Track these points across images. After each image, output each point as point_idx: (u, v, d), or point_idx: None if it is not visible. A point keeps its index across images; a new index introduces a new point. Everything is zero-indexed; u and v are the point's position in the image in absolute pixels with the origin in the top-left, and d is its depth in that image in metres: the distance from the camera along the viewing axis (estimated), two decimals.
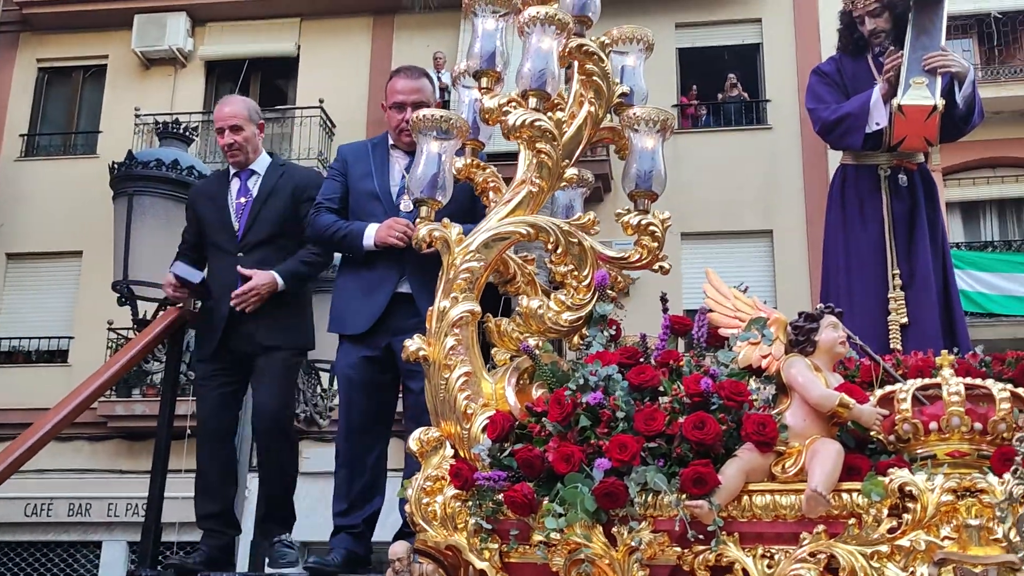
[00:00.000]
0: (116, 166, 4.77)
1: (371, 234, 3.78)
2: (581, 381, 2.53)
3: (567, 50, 2.92)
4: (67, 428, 13.89)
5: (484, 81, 2.93)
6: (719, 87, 15.06)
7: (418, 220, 2.81)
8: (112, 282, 4.75)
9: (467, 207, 3.57)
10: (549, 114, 2.83)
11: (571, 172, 2.91)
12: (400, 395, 3.97)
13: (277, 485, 4.18)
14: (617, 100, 2.99)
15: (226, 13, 16.02)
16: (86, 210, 15.39)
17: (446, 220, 2.80)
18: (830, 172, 14.74)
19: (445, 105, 14.86)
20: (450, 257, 2.77)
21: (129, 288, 4.59)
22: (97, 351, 14.59)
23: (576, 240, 2.81)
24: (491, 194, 3.07)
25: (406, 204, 3.76)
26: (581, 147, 2.96)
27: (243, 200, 4.25)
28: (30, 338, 15.39)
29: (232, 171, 4.32)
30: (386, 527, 3.99)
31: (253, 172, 4.31)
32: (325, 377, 6.05)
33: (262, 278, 4.07)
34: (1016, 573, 2.08)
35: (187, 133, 4.89)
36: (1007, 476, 2.22)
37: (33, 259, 15.70)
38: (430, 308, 2.78)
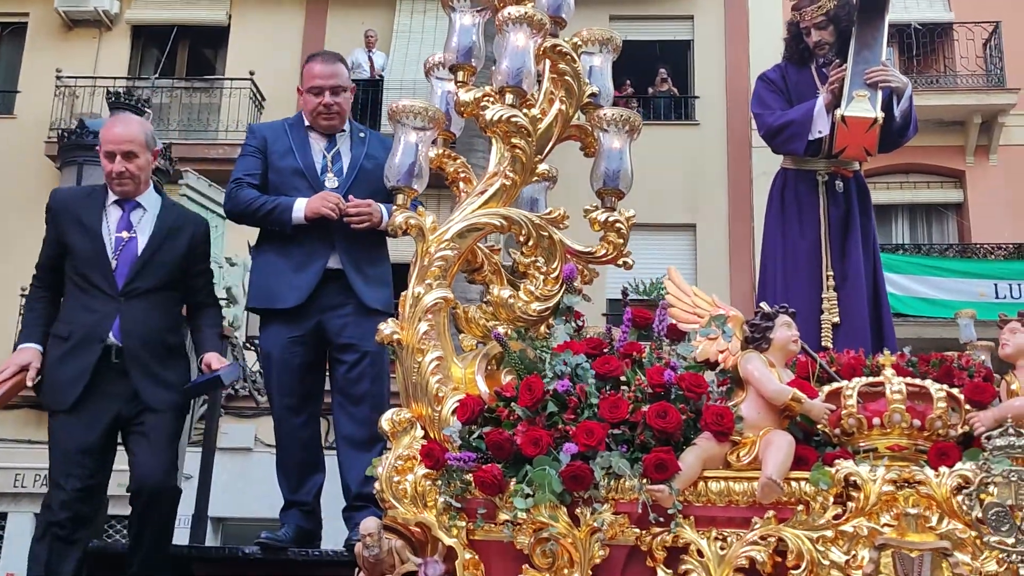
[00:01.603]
0: (66, 134, 4.70)
1: (300, 207, 3.76)
2: (552, 371, 2.64)
3: (541, 49, 3.02)
4: None
5: (460, 75, 3.02)
6: (650, 81, 15.31)
7: (394, 208, 2.88)
8: None
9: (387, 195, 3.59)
10: (524, 111, 2.93)
11: (542, 167, 3.02)
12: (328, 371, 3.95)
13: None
14: (587, 100, 3.11)
15: None
16: (2, 172, 14.95)
17: (421, 208, 2.89)
18: (753, 169, 15.19)
19: (377, 83, 14.82)
20: (424, 244, 2.85)
21: None
22: (10, 318, 14.22)
23: (547, 234, 2.93)
24: (461, 184, 3.16)
25: (331, 181, 3.85)
26: (551, 144, 3.07)
27: (124, 235, 3.62)
28: None
29: (111, 197, 3.70)
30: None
31: (139, 206, 3.70)
32: None
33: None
34: (948, 558, 2.27)
35: (139, 104, 4.81)
36: (943, 469, 2.41)
37: None
38: (403, 293, 2.86)
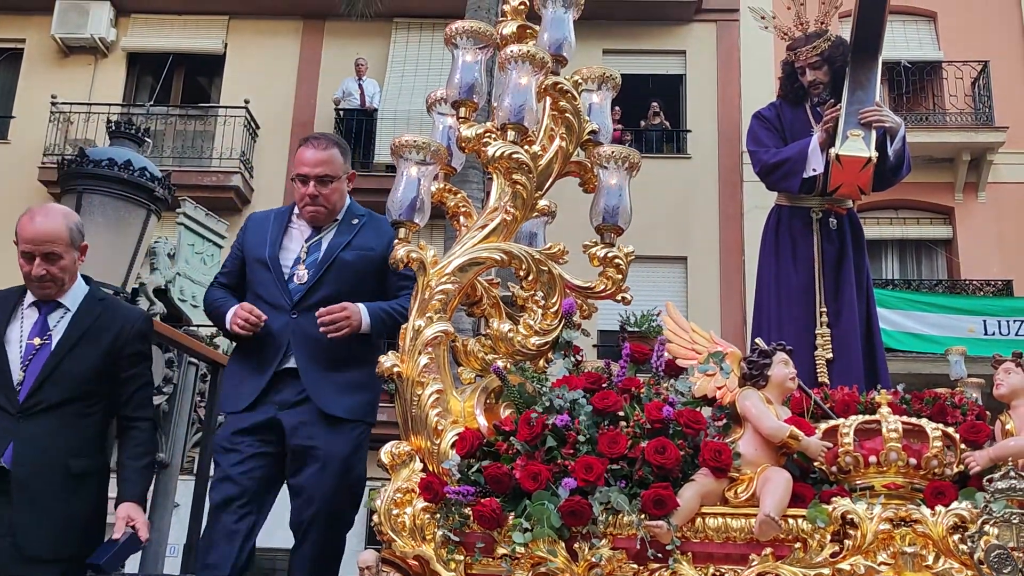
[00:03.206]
0: (66, 163, 4.73)
1: (229, 316, 3.50)
2: (547, 403, 2.66)
3: (543, 87, 3.06)
4: None
5: (462, 111, 3.06)
6: (642, 114, 15.44)
7: (396, 241, 2.90)
8: None
9: (374, 288, 3.51)
10: (525, 147, 2.97)
11: (542, 203, 3.05)
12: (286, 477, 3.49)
13: None
14: (587, 137, 3.15)
15: (152, 5, 15.76)
16: None
17: (423, 243, 2.91)
18: (744, 203, 15.28)
19: (370, 113, 14.89)
20: (425, 279, 2.88)
21: None
22: None
23: (546, 268, 2.96)
24: (462, 219, 3.19)
25: (301, 275, 3.49)
26: (551, 180, 3.10)
27: (36, 342, 3.12)
28: None
29: (29, 298, 3.22)
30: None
31: (60, 305, 3.20)
32: None
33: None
34: None
35: (139, 134, 4.85)
36: (939, 508, 2.43)
37: None
38: (404, 326, 2.88)
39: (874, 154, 4.13)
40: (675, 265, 14.73)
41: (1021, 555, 1.93)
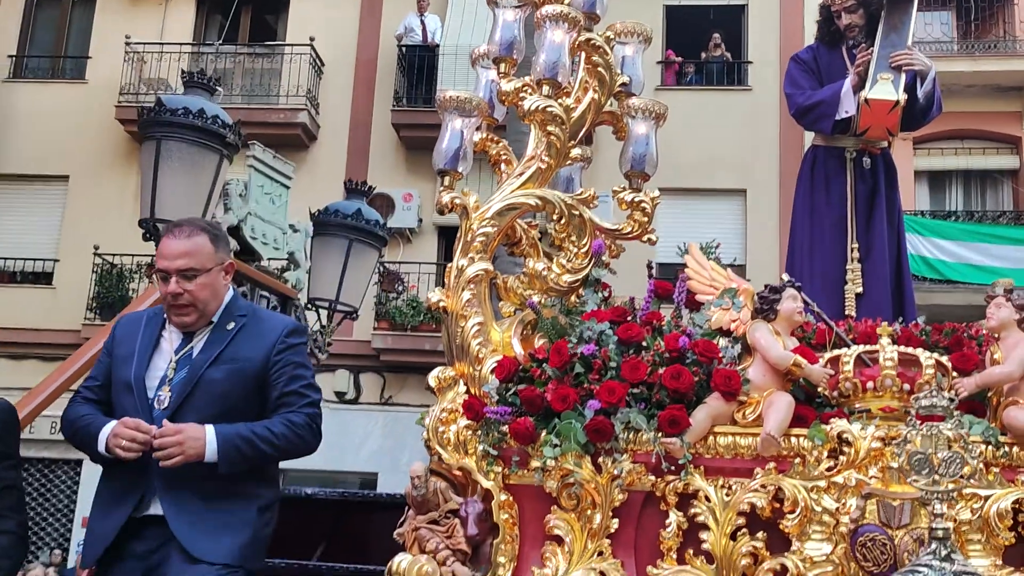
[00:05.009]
0: (145, 111, 5.13)
1: (103, 436, 2.85)
2: (578, 335, 2.98)
3: (576, 43, 3.32)
4: (50, 349, 14.08)
5: (502, 67, 3.33)
6: (703, 46, 15.39)
7: (441, 188, 3.21)
8: (139, 219, 5.13)
9: (255, 407, 2.95)
10: (559, 100, 3.24)
11: (575, 151, 3.33)
12: None
13: None
14: (618, 89, 3.40)
15: None
16: (74, 136, 15.58)
17: (466, 190, 3.22)
18: (805, 136, 15.30)
19: (432, 49, 15.08)
20: (468, 222, 3.19)
21: (155, 226, 4.97)
22: (82, 275, 14.90)
23: (578, 212, 3.25)
24: (503, 166, 3.48)
25: (162, 400, 2.90)
26: (584, 129, 3.37)
27: None
28: (15, 259, 15.62)
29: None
30: None
31: None
32: (323, 314, 6.49)
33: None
34: (925, 506, 2.56)
35: (211, 83, 5.23)
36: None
37: (20, 181, 15.85)
38: (448, 265, 3.20)
39: (902, 97, 4.28)
40: (735, 198, 14.81)
41: (935, 458, 2.22)
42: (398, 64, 15.34)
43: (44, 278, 15.59)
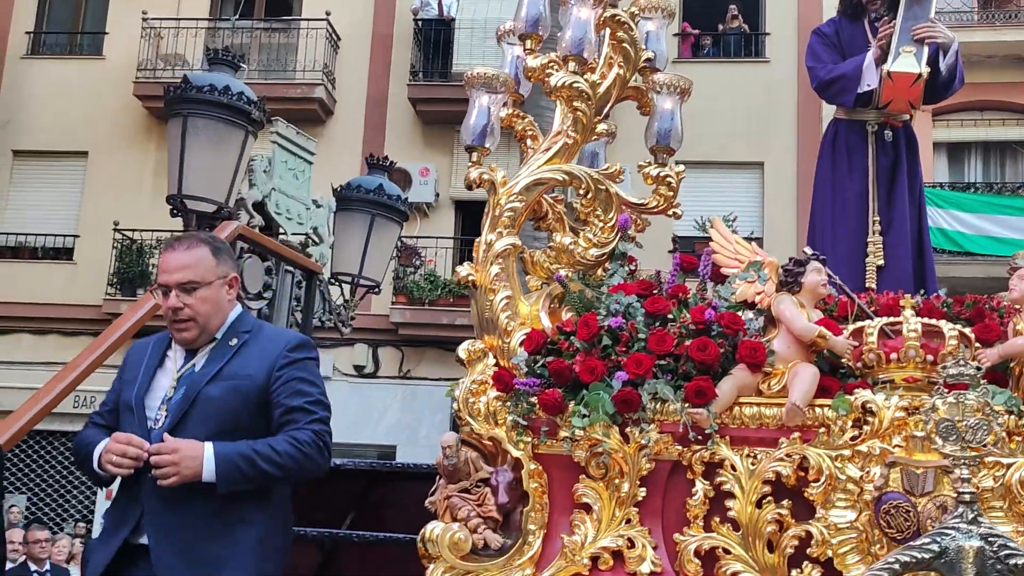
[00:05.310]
0: (171, 89, 5.19)
1: (98, 453, 2.78)
2: (606, 308, 3.03)
3: (601, 19, 3.35)
4: (72, 324, 14.25)
5: (528, 43, 3.37)
6: (720, 18, 15.31)
7: (469, 164, 3.26)
8: (166, 196, 5.21)
9: (256, 426, 2.82)
10: (585, 76, 3.28)
11: (601, 127, 3.37)
12: None
13: None
14: (643, 64, 3.43)
15: None
16: (92, 112, 15.67)
17: (493, 165, 3.26)
18: (824, 108, 15.27)
19: (445, 20, 15.04)
20: (495, 197, 3.24)
21: (182, 202, 5.05)
22: (103, 251, 15.04)
23: (604, 187, 3.29)
24: (529, 141, 3.52)
25: (159, 419, 2.80)
26: (610, 105, 3.41)
27: None
28: (36, 234, 15.77)
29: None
30: None
31: None
32: (347, 288, 6.56)
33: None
34: (948, 474, 2.61)
35: (235, 60, 5.29)
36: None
37: (39, 157, 15.99)
38: (476, 240, 3.26)
39: (925, 70, 4.30)
40: (752, 171, 14.80)
41: (962, 425, 2.28)
42: (414, 38, 15.34)
43: (65, 254, 15.75)
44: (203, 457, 2.66)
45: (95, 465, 2.77)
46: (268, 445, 2.73)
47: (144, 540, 2.71)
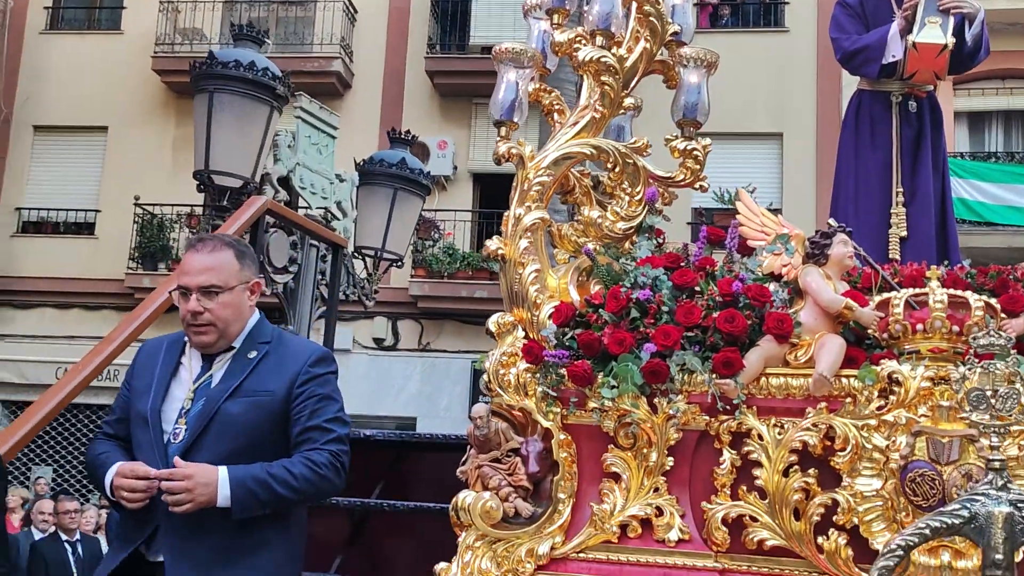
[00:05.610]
0: (197, 64, 5.23)
1: (108, 481, 2.70)
2: (632, 280, 3.07)
3: None
4: (94, 298, 14.37)
5: (556, 18, 3.40)
6: None
7: (498, 139, 3.29)
8: (193, 171, 5.26)
9: (275, 443, 2.75)
10: (612, 51, 3.30)
11: (628, 101, 3.39)
12: None
13: None
14: (669, 38, 3.45)
15: None
16: (111, 87, 15.73)
17: (521, 140, 3.30)
18: (843, 79, 15.15)
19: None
20: (524, 172, 3.28)
21: (210, 176, 5.10)
22: (124, 225, 15.15)
23: (631, 160, 3.32)
24: (555, 115, 3.55)
25: (177, 434, 2.71)
26: (636, 79, 3.43)
27: None
28: (58, 210, 15.90)
29: None
30: None
31: None
32: (370, 262, 6.62)
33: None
34: (973, 443, 2.65)
35: (259, 35, 5.33)
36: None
37: (59, 132, 16.08)
38: (505, 214, 3.29)
39: (950, 40, 4.29)
40: (770, 142, 14.73)
41: (992, 394, 2.31)
42: (431, 10, 15.30)
43: (87, 228, 15.88)
44: (217, 482, 2.58)
45: (108, 492, 2.70)
46: (284, 468, 2.66)
47: (160, 558, 2.64)
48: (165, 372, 2.78)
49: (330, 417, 2.76)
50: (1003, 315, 2.97)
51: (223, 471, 2.59)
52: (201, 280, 2.73)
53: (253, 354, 2.78)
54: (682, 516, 2.95)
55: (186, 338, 2.81)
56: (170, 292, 3.03)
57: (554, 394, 3.06)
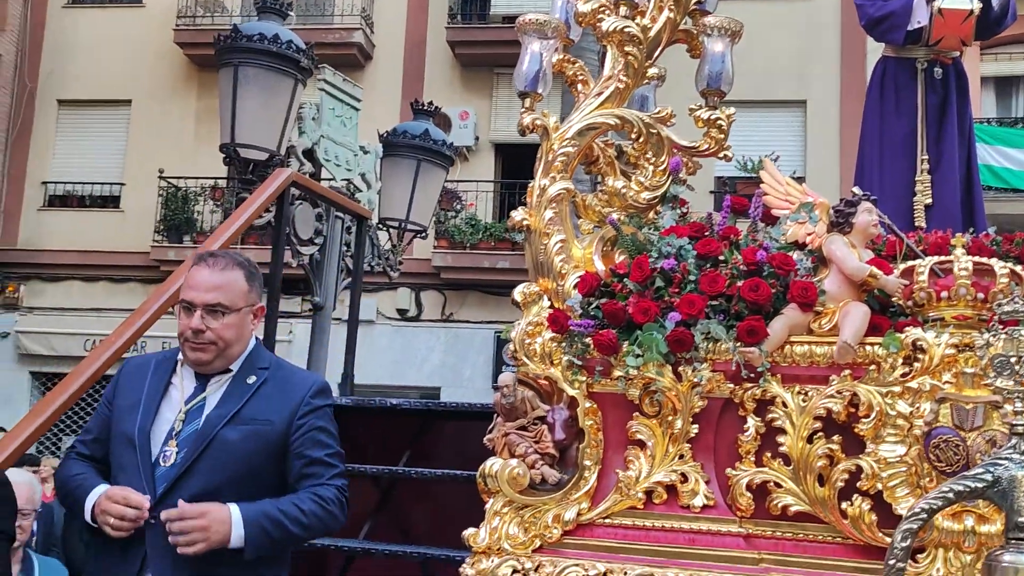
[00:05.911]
0: (222, 38, 5.27)
1: (89, 505, 2.57)
2: (659, 250, 3.10)
3: None
4: (120, 271, 14.53)
5: None
6: None
7: (522, 110, 3.31)
8: (219, 144, 5.31)
9: (272, 474, 2.68)
10: (636, 21, 3.30)
11: (652, 71, 3.40)
12: None
13: None
14: (693, 7, 3.45)
15: None
16: (134, 60, 15.81)
17: (546, 111, 3.31)
18: (868, 44, 14.96)
19: None
20: (548, 143, 3.30)
21: (235, 149, 5.15)
22: (149, 198, 15.27)
23: (655, 131, 3.33)
24: (579, 86, 3.56)
25: (167, 456, 2.59)
26: (660, 48, 3.43)
27: None
28: (83, 183, 16.04)
29: None
30: None
31: None
32: (394, 233, 6.66)
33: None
34: (998, 409, 2.66)
35: (283, 8, 5.36)
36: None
37: (83, 106, 16.19)
38: (530, 185, 3.32)
39: (976, 6, 4.26)
40: (794, 109, 14.63)
41: (1017, 360, 2.33)
42: None
43: (112, 202, 16.02)
44: (231, 522, 2.49)
45: (87, 517, 2.56)
46: (295, 505, 2.61)
47: None
48: (154, 391, 2.67)
49: (332, 451, 2.74)
50: None
51: (235, 509, 2.52)
52: (208, 298, 2.65)
53: (252, 379, 2.70)
54: (707, 482, 2.99)
55: (179, 356, 2.71)
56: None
57: (579, 363, 3.10)
